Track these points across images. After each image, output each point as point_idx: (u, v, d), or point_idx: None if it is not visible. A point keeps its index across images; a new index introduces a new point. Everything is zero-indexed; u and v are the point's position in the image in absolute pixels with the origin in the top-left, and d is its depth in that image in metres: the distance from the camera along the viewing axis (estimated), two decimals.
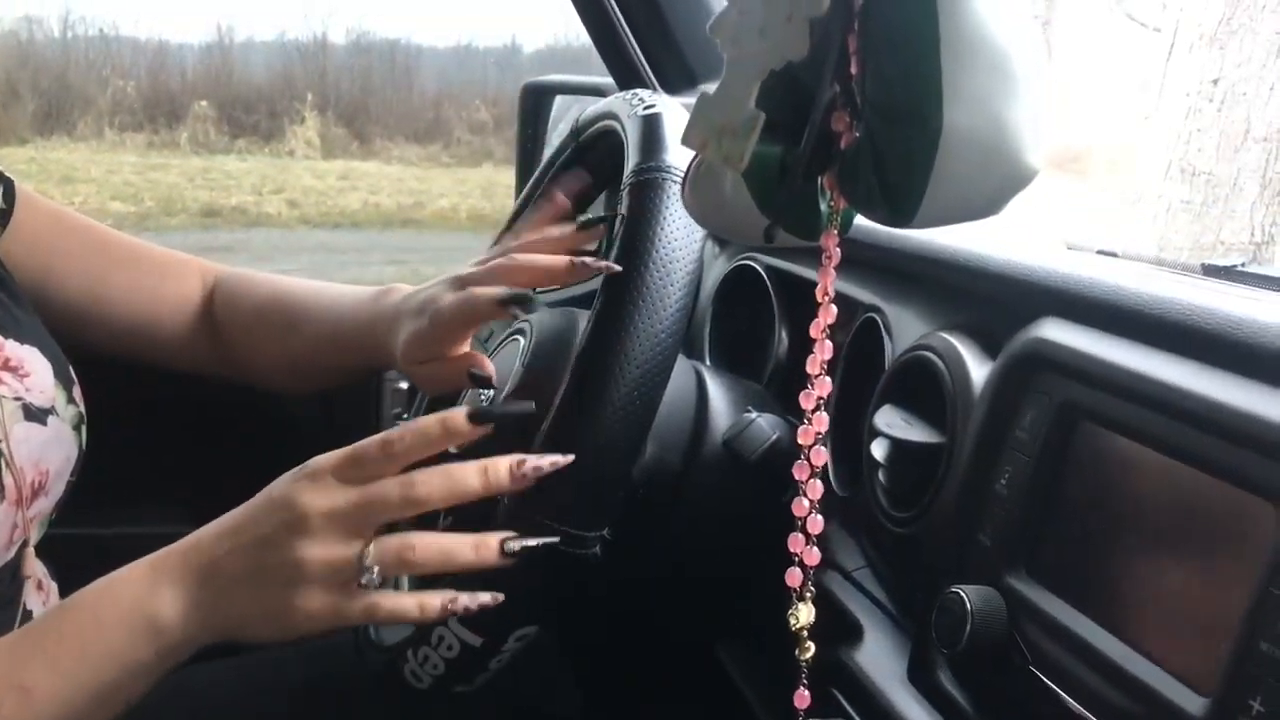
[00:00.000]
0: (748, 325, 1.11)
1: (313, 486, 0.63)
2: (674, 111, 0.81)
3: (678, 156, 0.75)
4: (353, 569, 0.62)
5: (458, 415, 0.65)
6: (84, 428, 0.82)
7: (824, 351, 0.52)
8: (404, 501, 0.63)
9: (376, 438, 0.64)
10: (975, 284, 0.79)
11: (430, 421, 0.65)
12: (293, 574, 0.62)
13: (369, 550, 0.62)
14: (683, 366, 0.87)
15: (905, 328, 0.84)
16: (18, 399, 0.75)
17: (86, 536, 0.89)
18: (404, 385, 1.44)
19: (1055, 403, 0.65)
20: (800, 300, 1.05)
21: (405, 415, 1.46)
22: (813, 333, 0.52)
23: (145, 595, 0.63)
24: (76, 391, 0.81)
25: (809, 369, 0.52)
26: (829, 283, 0.51)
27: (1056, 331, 0.66)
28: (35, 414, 0.76)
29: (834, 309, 0.53)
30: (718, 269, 1.17)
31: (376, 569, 0.62)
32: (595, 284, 0.74)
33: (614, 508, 0.72)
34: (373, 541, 0.62)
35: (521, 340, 0.84)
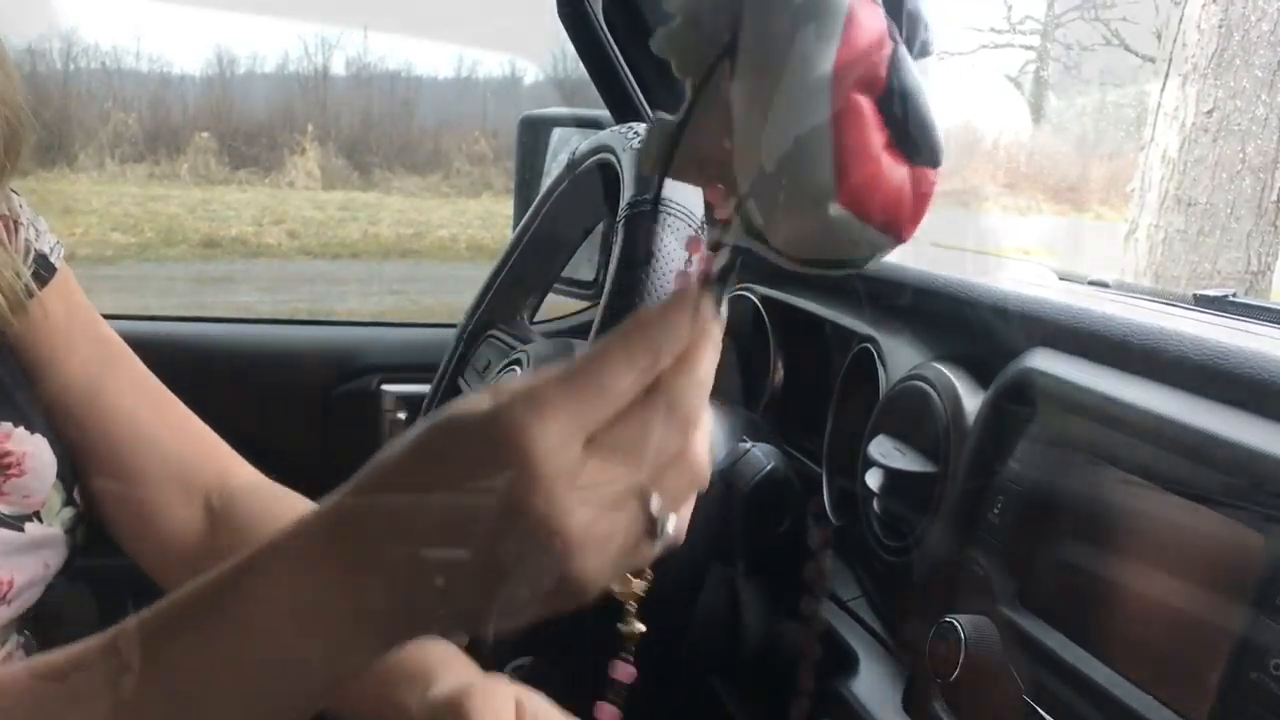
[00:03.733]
0: (743, 355, 1.12)
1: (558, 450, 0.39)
2: None
3: (671, 189, 0.76)
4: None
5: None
6: (81, 528, 0.73)
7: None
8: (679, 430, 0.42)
9: (603, 359, 0.40)
10: (968, 314, 0.80)
11: (666, 314, 0.42)
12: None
13: (653, 500, 0.42)
14: None
15: (899, 358, 0.84)
16: None
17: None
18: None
19: (1046, 433, 0.65)
20: (796, 331, 1.06)
21: (404, 415, 1.45)
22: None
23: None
24: (78, 491, 0.73)
25: None
26: None
27: (1048, 362, 0.67)
28: (8, 520, 0.68)
29: None
30: None
31: (672, 517, 0.43)
32: (592, 314, 0.74)
33: None
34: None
35: (519, 370, 0.84)
